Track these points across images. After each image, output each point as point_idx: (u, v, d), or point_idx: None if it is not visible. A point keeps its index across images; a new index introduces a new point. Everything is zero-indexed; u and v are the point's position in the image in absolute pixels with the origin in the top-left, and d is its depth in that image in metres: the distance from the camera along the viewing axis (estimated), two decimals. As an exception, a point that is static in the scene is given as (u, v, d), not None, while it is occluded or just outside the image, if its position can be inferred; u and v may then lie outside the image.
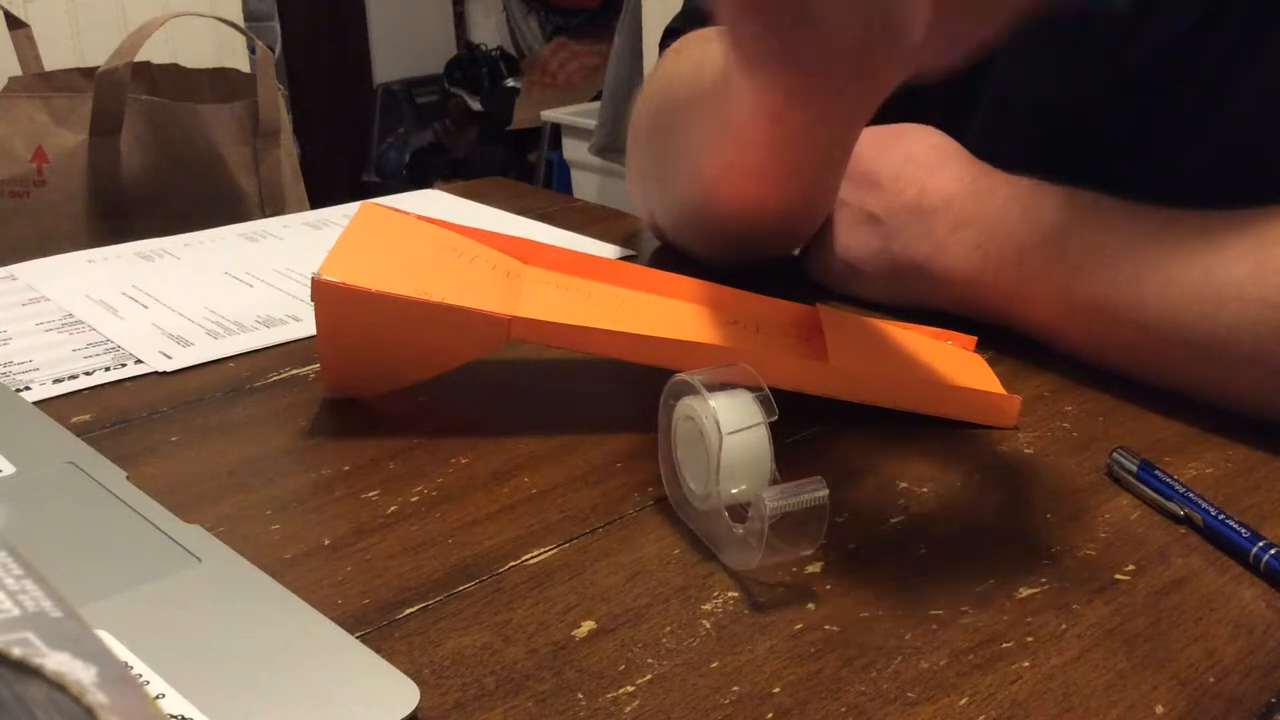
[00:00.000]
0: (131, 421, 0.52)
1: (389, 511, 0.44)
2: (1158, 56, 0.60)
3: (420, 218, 0.56)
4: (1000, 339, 0.58)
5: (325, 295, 0.48)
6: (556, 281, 0.56)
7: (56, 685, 0.17)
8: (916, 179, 0.60)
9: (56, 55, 1.41)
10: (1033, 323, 0.57)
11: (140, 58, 1.13)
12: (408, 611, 0.38)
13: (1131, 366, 0.53)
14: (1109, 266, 0.53)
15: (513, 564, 0.41)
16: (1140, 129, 0.61)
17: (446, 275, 0.52)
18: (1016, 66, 0.65)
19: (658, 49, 0.77)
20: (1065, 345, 0.56)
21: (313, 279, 0.47)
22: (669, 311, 0.56)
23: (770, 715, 0.33)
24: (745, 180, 0.59)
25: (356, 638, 0.36)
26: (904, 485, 0.46)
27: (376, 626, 0.37)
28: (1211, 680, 0.35)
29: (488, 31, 3.65)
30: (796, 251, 0.69)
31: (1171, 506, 0.43)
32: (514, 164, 3.36)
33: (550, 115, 2.98)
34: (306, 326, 0.62)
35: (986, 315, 0.59)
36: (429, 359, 0.51)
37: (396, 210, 0.57)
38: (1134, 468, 0.45)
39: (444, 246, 0.55)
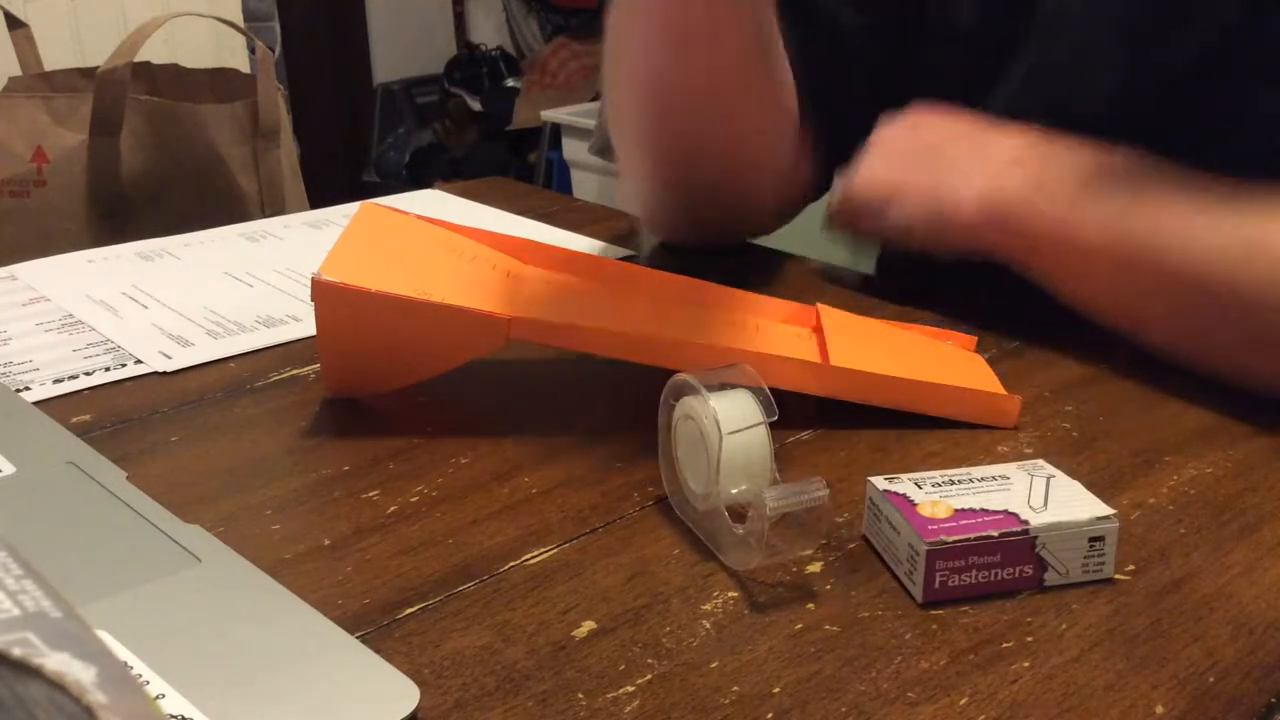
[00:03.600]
0: (131, 421, 0.52)
1: (389, 511, 0.44)
2: (1203, 48, 0.61)
3: (420, 218, 0.56)
4: (1000, 338, 0.58)
5: (325, 295, 0.48)
6: (556, 282, 0.56)
7: (56, 685, 0.17)
8: (978, 130, 0.62)
9: (56, 55, 1.41)
10: (1070, 265, 0.57)
11: (140, 58, 1.13)
12: (408, 611, 0.38)
13: (1155, 320, 0.54)
14: (1154, 215, 0.54)
15: (513, 564, 0.41)
16: (1181, 121, 0.61)
17: (446, 275, 0.52)
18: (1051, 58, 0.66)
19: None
20: (1093, 294, 0.57)
21: (312, 279, 0.47)
22: (669, 311, 0.56)
23: (770, 715, 0.33)
24: (670, 58, 0.64)
25: (356, 638, 0.36)
26: (904, 485, 0.46)
27: (376, 626, 0.37)
28: (1211, 680, 0.35)
29: (488, 31, 3.65)
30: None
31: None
32: (514, 164, 3.35)
33: (550, 115, 2.98)
34: (306, 326, 0.62)
35: (1021, 254, 0.59)
36: (429, 359, 0.51)
37: (396, 210, 0.57)
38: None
39: (444, 246, 0.55)
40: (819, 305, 0.56)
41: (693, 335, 0.51)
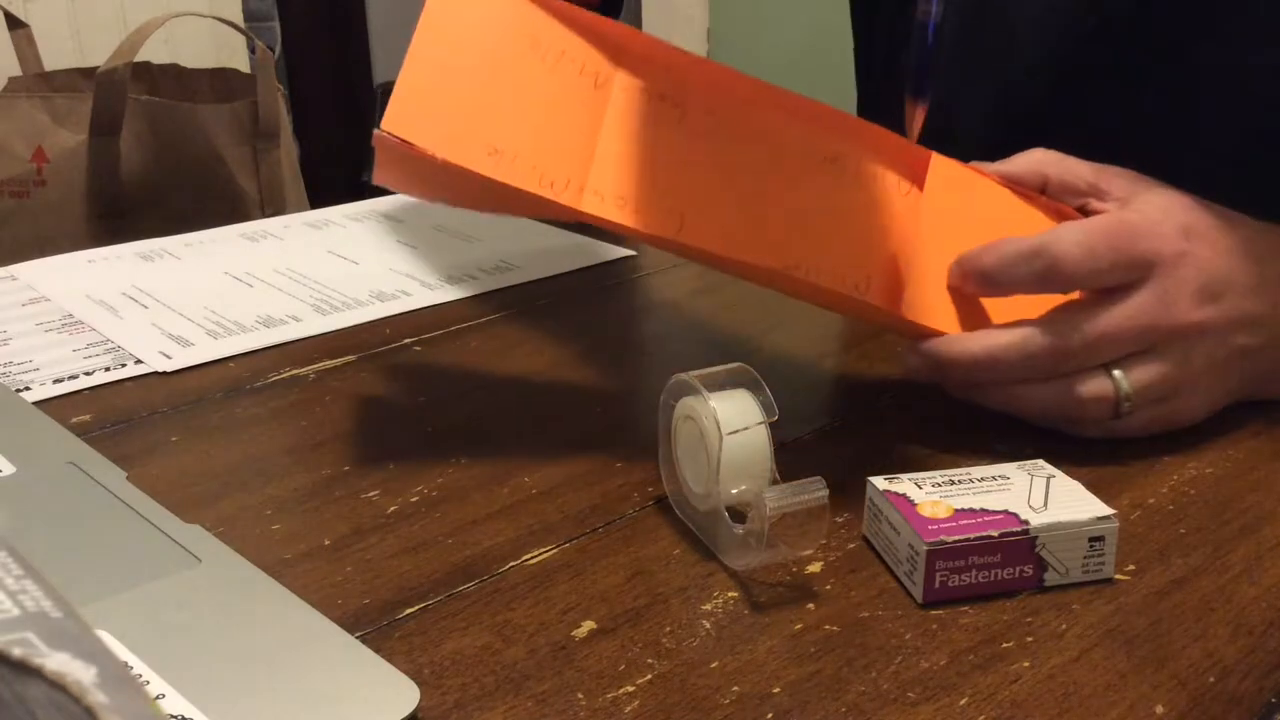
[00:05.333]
0: (131, 421, 0.52)
1: (389, 511, 0.44)
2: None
3: None
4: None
5: (387, 149, 0.42)
6: (648, 93, 0.47)
7: (56, 685, 0.17)
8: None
9: (56, 55, 1.41)
10: None
11: (140, 58, 1.13)
12: (408, 611, 0.38)
13: None
14: None
15: (513, 564, 0.41)
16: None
17: (525, 106, 0.45)
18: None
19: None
20: None
21: (374, 135, 0.41)
22: (756, 139, 0.48)
23: (770, 715, 0.33)
24: None
25: (356, 638, 0.36)
26: (904, 485, 0.46)
27: (376, 626, 0.37)
28: (1211, 680, 0.35)
29: (488, 31, 3.65)
30: None
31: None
32: (514, 164, 3.35)
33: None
34: (306, 326, 0.62)
35: None
36: (496, 204, 0.47)
37: None
38: None
39: (525, 44, 0.46)
40: (933, 158, 0.50)
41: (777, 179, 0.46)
